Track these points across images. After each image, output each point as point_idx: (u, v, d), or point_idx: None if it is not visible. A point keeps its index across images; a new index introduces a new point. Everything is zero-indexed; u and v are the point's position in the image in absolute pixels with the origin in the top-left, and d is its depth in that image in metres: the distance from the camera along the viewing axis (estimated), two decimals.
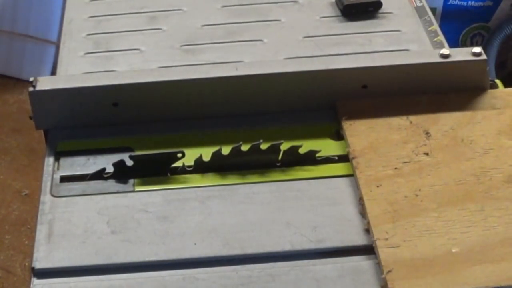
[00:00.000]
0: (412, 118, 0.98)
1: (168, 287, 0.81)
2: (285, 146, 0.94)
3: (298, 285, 0.81)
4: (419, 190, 0.89)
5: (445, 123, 0.98)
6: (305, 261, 0.83)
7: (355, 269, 0.83)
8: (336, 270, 0.82)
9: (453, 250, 0.82)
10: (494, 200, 0.88)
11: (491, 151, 0.94)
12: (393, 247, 0.82)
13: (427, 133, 0.96)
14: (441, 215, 0.86)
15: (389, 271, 0.80)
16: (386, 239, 0.83)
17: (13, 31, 2.28)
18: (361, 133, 0.96)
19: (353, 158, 0.93)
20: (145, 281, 0.82)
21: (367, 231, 0.85)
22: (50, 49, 2.28)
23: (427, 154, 0.93)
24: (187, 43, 1.13)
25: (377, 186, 0.89)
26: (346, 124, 0.98)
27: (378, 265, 0.82)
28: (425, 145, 0.95)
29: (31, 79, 0.98)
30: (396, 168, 0.92)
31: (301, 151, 0.94)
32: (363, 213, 0.87)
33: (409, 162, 0.92)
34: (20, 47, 2.30)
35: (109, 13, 1.20)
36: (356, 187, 0.91)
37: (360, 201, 0.89)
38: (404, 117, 0.98)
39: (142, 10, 1.20)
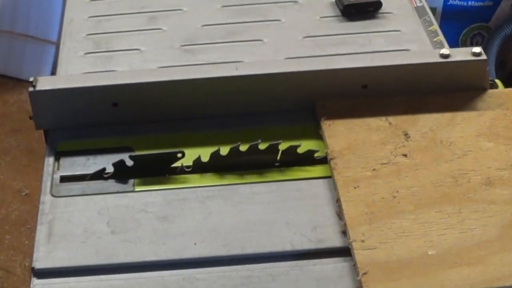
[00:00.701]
0: (391, 119, 0.98)
1: (168, 287, 0.81)
2: (283, 146, 0.94)
3: (298, 285, 0.81)
4: (397, 191, 0.88)
5: (424, 124, 0.97)
6: (305, 261, 0.83)
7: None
8: (336, 270, 0.82)
9: (430, 253, 0.81)
10: (471, 203, 0.87)
11: (470, 153, 0.93)
12: (369, 249, 0.82)
13: (406, 135, 0.95)
14: (418, 217, 0.85)
15: (365, 273, 0.79)
16: (363, 241, 0.82)
17: (13, 31, 2.28)
18: (340, 133, 0.96)
19: (331, 159, 0.92)
20: (145, 281, 0.82)
21: (344, 233, 0.85)
22: (50, 49, 2.27)
23: (405, 155, 0.93)
24: (187, 43, 1.13)
25: (355, 188, 0.89)
26: (325, 124, 0.97)
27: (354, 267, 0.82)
28: (404, 146, 0.94)
29: (31, 79, 0.98)
30: (374, 170, 0.91)
31: (300, 150, 0.94)
32: (340, 215, 0.87)
33: (387, 163, 0.92)
34: (20, 47, 2.29)
35: (109, 13, 1.20)
36: (334, 188, 0.90)
37: (338, 202, 0.88)
38: (383, 118, 0.98)
39: (142, 10, 1.20)
